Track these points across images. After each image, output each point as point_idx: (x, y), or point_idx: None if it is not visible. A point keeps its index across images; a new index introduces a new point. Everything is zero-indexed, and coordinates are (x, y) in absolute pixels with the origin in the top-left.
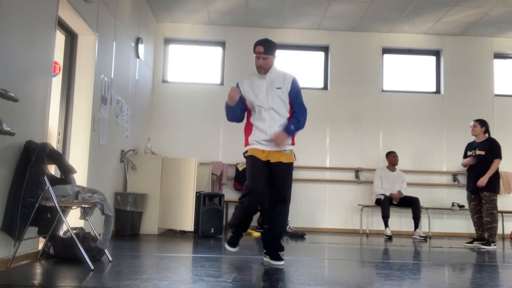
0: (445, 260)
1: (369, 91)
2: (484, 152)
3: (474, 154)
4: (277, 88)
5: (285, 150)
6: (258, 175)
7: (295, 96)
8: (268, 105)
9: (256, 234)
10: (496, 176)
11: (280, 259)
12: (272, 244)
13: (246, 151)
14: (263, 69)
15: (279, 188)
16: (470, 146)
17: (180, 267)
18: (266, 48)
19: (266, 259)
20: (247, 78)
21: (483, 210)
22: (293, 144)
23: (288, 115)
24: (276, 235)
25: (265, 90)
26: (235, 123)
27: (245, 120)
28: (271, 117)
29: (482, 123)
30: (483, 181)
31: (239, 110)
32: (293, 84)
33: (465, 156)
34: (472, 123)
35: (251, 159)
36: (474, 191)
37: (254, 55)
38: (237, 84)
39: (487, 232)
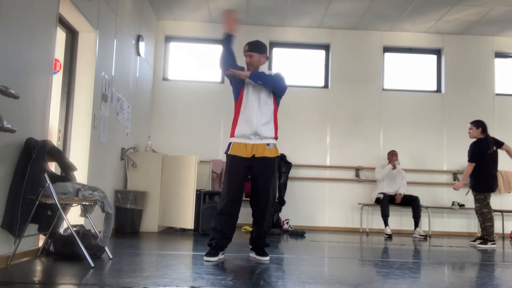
0: (445, 259)
1: (370, 89)
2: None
3: None
4: (260, 83)
5: (268, 145)
6: (234, 180)
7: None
8: (254, 100)
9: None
10: (481, 175)
11: (265, 254)
12: (259, 241)
13: (229, 148)
14: (251, 66)
15: (262, 189)
16: None
17: (180, 264)
18: (250, 46)
19: (252, 254)
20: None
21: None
22: (276, 138)
23: (272, 110)
24: (263, 233)
25: (252, 87)
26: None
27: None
28: (255, 111)
29: (477, 124)
30: (457, 185)
31: (232, 53)
32: (275, 75)
33: None
34: (468, 125)
35: (231, 160)
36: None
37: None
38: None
39: (483, 231)
